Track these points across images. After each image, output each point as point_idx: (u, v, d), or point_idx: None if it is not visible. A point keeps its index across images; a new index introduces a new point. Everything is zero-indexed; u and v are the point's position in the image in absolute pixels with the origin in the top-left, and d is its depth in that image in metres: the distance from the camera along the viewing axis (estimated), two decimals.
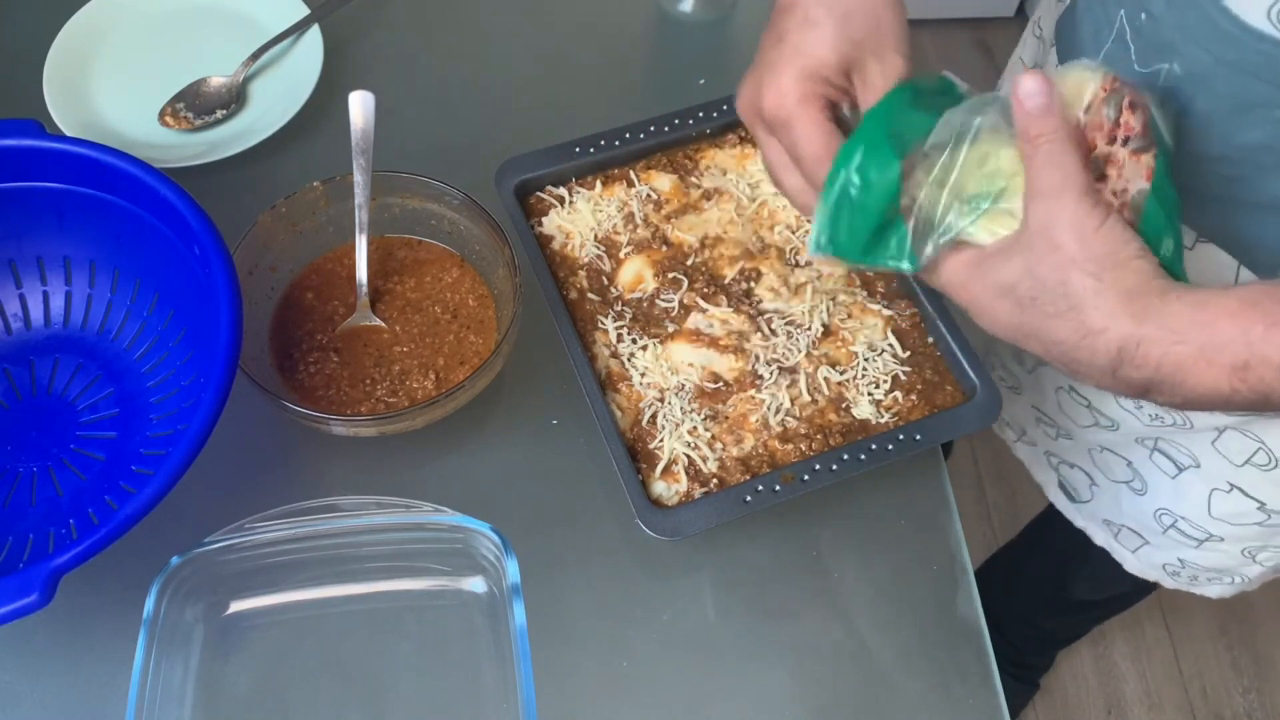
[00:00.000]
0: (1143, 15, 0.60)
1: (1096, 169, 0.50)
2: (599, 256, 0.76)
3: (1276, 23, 0.53)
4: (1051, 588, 1.25)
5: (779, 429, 0.70)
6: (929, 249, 0.52)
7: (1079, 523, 0.95)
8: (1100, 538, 0.93)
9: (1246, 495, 0.76)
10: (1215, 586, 0.90)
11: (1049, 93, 0.49)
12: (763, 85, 0.56)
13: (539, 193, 0.78)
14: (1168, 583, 0.91)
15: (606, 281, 0.75)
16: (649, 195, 0.79)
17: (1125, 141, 0.50)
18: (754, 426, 0.70)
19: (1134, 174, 0.50)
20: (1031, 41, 0.83)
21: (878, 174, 0.52)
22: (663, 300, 0.74)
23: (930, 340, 0.74)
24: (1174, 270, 0.49)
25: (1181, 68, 0.58)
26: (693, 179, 0.80)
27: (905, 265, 0.53)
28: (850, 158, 0.53)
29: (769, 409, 0.70)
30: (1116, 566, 0.95)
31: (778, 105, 0.55)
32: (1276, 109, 0.56)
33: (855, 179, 0.52)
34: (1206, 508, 0.79)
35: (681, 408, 0.70)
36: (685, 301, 0.74)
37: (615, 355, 0.72)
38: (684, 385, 0.71)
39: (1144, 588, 1.19)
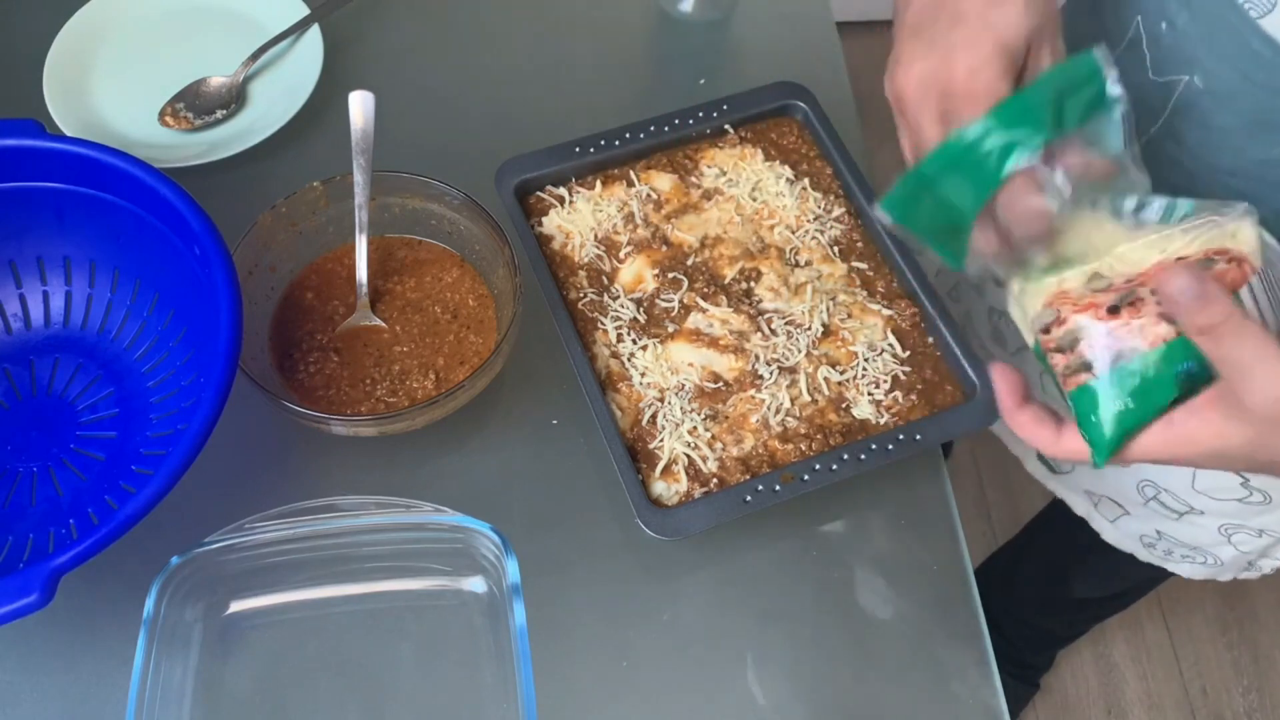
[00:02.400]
0: (1163, 25, 0.60)
1: (1125, 299, 0.49)
2: (599, 256, 0.76)
3: None
4: (1051, 586, 1.25)
5: (779, 429, 0.70)
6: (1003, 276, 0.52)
7: (1059, 493, 0.96)
8: (1080, 507, 0.94)
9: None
10: (1187, 565, 0.90)
11: (1202, 281, 0.46)
12: (955, 60, 0.51)
13: (539, 193, 0.78)
14: (1142, 554, 0.92)
15: (606, 281, 0.75)
16: (649, 195, 0.79)
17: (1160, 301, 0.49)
18: (754, 426, 0.70)
19: (1144, 333, 0.49)
20: None
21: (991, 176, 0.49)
22: (663, 300, 0.74)
23: (930, 340, 0.74)
24: (1096, 443, 0.49)
25: (1203, 82, 0.58)
26: (693, 179, 0.80)
27: (953, 264, 0.53)
28: (981, 141, 0.49)
29: (769, 409, 0.70)
30: (1116, 564, 0.95)
31: (971, 78, 0.51)
32: None
33: (977, 164, 0.49)
34: (1190, 480, 0.79)
35: (681, 408, 0.70)
36: (685, 301, 0.74)
37: (615, 355, 0.72)
38: (684, 385, 0.71)
39: (1143, 586, 1.19)
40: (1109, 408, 0.49)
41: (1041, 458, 0.95)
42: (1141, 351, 0.48)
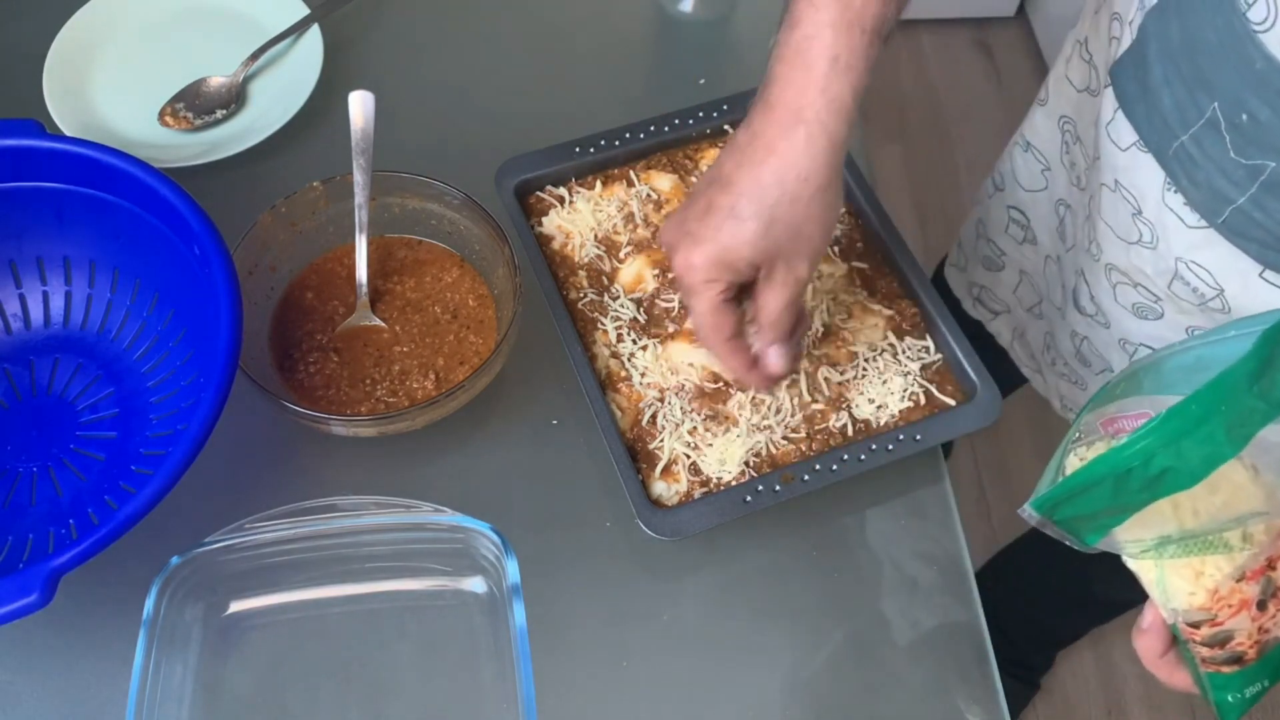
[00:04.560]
0: (1244, 116, 0.59)
1: (1268, 589, 0.49)
2: (599, 256, 0.76)
3: None
4: (1068, 585, 1.25)
5: (779, 429, 0.70)
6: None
7: None
8: None
9: None
10: None
11: None
12: (678, 247, 0.60)
13: (539, 193, 0.78)
14: None
15: (606, 281, 0.75)
16: (649, 195, 0.79)
17: None
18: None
19: None
20: (1078, 64, 0.82)
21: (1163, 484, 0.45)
22: (663, 300, 0.74)
23: (931, 340, 0.74)
24: (1228, 713, 0.51)
25: None
26: (693, 179, 0.80)
27: (1085, 543, 0.51)
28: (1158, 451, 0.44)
29: (769, 409, 0.70)
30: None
31: (684, 273, 0.60)
32: None
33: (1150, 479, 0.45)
34: None
35: (681, 408, 0.70)
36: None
37: (615, 355, 0.72)
38: (684, 385, 0.71)
39: None
40: (1249, 690, 0.51)
41: None
42: None
